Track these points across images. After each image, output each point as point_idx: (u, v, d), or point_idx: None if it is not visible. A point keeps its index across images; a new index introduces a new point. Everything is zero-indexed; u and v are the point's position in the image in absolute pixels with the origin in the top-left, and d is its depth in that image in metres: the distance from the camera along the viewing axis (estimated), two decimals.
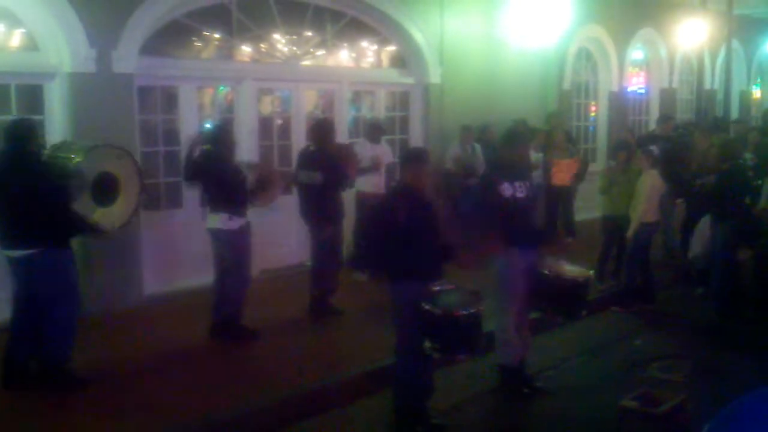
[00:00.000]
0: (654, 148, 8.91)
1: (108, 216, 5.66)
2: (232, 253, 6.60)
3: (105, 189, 5.59)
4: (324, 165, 7.20)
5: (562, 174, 10.41)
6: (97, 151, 5.65)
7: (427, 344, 4.93)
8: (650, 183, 8.16)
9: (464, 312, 4.90)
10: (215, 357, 6.35)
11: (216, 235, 6.62)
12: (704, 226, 8.32)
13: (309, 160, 7.36)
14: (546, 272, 5.73)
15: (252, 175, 6.86)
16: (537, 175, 5.98)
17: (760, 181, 8.55)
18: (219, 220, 6.54)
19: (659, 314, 8.09)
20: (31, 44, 7.11)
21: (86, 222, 5.50)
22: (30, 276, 5.46)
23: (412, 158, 5.38)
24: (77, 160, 5.50)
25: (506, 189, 5.72)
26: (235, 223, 6.55)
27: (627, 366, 6.51)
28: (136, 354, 6.31)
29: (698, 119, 14.24)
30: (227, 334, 6.62)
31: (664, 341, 7.20)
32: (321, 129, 7.51)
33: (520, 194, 5.75)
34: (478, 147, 10.28)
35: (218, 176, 6.50)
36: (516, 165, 5.91)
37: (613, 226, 8.61)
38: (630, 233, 8.17)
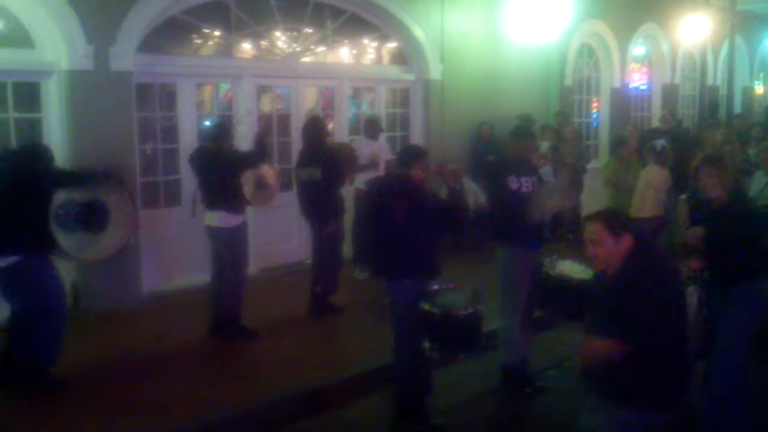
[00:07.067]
0: (658, 142, 8.75)
1: (96, 247, 5.55)
2: (229, 251, 6.54)
3: (94, 216, 5.47)
4: (323, 162, 7.15)
5: None
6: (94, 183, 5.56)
7: (427, 344, 4.88)
8: (645, 178, 8.10)
9: (463, 312, 4.86)
10: (213, 356, 6.29)
11: (213, 232, 6.56)
12: None
13: (308, 157, 7.30)
14: (551, 272, 5.65)
15: (249, 174, 6.80)
16: (546, 172, 5.93)
17: None
18: (217, 218, 6.48)
19: None
20: (28, 42, 7.04)
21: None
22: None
23: (409, 155, 5.30)
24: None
25: (513, 182, 5.68)
26: (234, 221, 6.50)
27: None
28: (133, 353, 6.24)
29: (701, 115, 14.14)
30: (226, 332, 6.56)
31: None
32: (312, 127, 7.44)
33: (525, 189, 5.70)
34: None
35: (218, 173, 6.44)
36: (522, 160, 5.86)
37: None
38: None
